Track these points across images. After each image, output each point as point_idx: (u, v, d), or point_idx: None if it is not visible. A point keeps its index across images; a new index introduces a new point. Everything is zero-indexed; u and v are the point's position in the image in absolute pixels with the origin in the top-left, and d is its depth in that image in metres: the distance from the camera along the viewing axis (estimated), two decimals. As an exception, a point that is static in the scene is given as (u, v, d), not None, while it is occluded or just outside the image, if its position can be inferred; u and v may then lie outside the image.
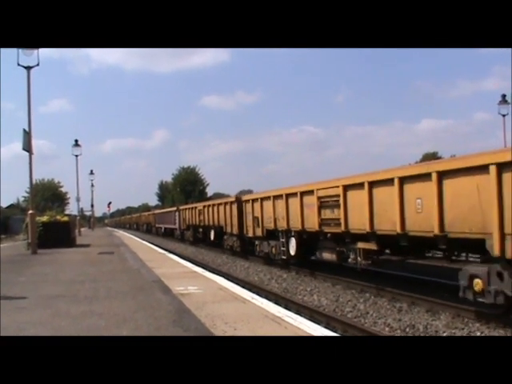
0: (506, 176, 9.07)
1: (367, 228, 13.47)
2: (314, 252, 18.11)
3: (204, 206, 34.29)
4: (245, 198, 25.49)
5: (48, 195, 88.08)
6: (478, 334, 9.80)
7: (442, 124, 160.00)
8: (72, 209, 77.49)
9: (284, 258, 19.97)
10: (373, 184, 13.29)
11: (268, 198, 21.49)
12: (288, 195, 19.11)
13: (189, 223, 39.73)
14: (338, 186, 15.16)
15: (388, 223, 12.61)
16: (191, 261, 21.49)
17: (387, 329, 10.69)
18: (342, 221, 14.92)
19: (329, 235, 16.55)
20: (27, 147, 22.60)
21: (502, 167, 9.13)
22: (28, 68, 22.49)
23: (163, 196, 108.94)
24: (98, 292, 10.42)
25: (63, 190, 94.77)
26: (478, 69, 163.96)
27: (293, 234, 19.16)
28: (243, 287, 12.11)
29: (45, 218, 27.41)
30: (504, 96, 32.56)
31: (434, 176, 10.73)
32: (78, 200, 56.74)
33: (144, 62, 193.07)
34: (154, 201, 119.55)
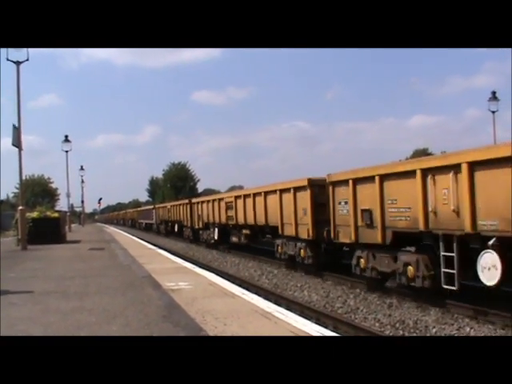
0: (284, 196, 18.71)
1: (243, 221, 23.64)
2: (229, 237, 27.08)
3: (171, 206, 43.54)
4: (193, 200, 35.76)
5: (38, 191, 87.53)
6: (468, 329, 9.86)
7: (433, 120, 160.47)
8: (62, 205, 77.01)
9: (212, 241, 30.20)
10: (246, 196, 23.44)
11: (204, 201, 32.17)
12: (213, 200, 29.35)
13: (162, 219, 48.96)
14: (232, 196, 25.94)
15: (252, 218, 22.45)
16: (181, 256, 21.48)
17: (377, 324, 10.73)
18: (234, 217, 24.89)
19: (231, 226, 26.15)
20: (16, 143, 22.48)
21: (266, 194, 20.61)
22: (17, 63, 22.36)
23: (154, 192, 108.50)
24: (88, 288, 10.40)
25: (53, 185, 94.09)
26: (470, 66, 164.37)
27: (216, 225, 28.98)
28: (233, 283, 12.12)
29: (35, 214, 27.32)
30: (494, 93, 32.68)
31: (262, 194, 21.02)
32: (68, 196, 56.63)
33: (135, 57, 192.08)
34: (144, 197, 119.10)
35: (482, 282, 9.99)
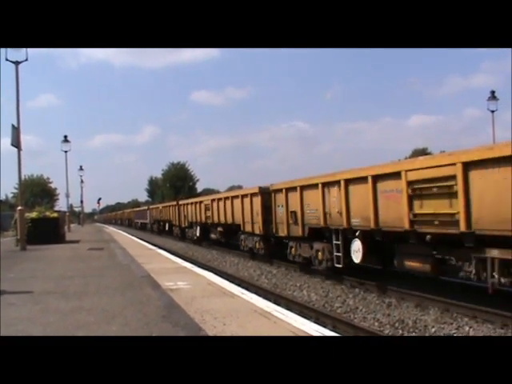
0: (244, 200, 23.33)
1: (217, 220, 28.16)
2: (208, 234, 31.29)
3: (163, 207, 49.19)
4: (180, 202, 40.23)
5: (37, 191, 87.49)
6: (467, 328, 9.87)
7: (432, 120, 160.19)
8: (61, 205, 77.15)
9: (195, 238, 34.57)
10: (219, 200, 27.88)
11: (188, 203, 37.01)
12: (195, 202, 34.52)
13: (155, 218, 53.86)
14: (209, 200, 30.43)
15: (223, 218, 26.83)
16: (180, 256, 21.47)
17: (377, 324, 10.74)
18: (211, 217, 29.35)
19: (209, 224, 30.44)
20: (16, 143, 22.46)
21: (233, 198, 25.35)
22: (16, 63, 22.33)
23: (153, 192, 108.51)
24: (87, 288, 10.40)
25: (52, 185, 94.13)
26: (468, 65, 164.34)
27: (198, 224, 33.64)
28: (232, 282, 12.12)
29: (34, 214, 27.29)
30: (493, 92, 32.68)
31: (230, 198, 25.64)
32: (67, 196, 56.65)
33: (133, 57, 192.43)
34: (143, 196, 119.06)
35: (353, 260, 14.38)
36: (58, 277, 12.44)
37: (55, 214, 29.35)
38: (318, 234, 16.55)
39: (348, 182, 14.25)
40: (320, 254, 16.24)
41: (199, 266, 15.70)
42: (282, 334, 6.14)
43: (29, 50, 22.44)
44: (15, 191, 70.32)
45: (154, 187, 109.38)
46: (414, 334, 9.86)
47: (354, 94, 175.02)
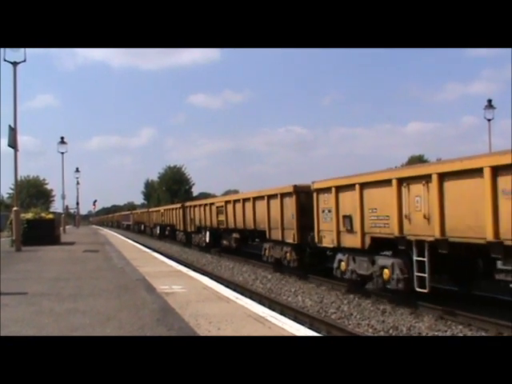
0: (175, 211, 39.96)
1: (167, 222, 42.60)
2: (164, 231, 44.85)
3: (140, 212, 65.42)
4: (150, 210, 55.71)
5: (33, 192, 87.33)
6: (461, 335, 9.86)
7: (429, 127, 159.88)
8: (57, 206, 77.00)
9: (156, 235, 48.29)
10: (168, 209, 43.13)
11: (154, 211, 51.69)
12: (157, 210, 49.55)
13: (135, 221, 67.71)
14: (163, 209, 45.92)
15: (169, 221, 41.87)
16: (176, 260, 21.47)
17: (371, 330, 10.73)
18: (164, 220, 43.79)
19: (164, 225, 44.33)
20: (12, 144, 22.42)
21: (172, 209, 41.63)
22: (14, 64, 22.31)
23: (149, 195, 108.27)
24: (82, 290, 10.38)
25: (48, 187, 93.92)
26: (467, 73, 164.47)
27: (158, 225, 47.29)
28: (227, 287, 12.10)
29: (29, 215, 27.25)
30: (490, 101, 32.72)
31: (172, 209, 41.17)
32: (63, 197, 56.44)
33: (131, 59, 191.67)
34: (140, 199, 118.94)
35: (207, 241, 30.48)
36: (52, 278, 12.41)
37: (51, 216, 29.31)
38: (200, 229, 30.97)
39: (211, 204, 28.22)
40: (201, 240, 30.76)
41: (194, 270, 15.69)
42: (276, 339, 6.13)
43: (27, 50, 22.42)
44: (11, 192, 70.23)
45: (150, 190, 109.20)
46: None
47: (351, 99, 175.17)
